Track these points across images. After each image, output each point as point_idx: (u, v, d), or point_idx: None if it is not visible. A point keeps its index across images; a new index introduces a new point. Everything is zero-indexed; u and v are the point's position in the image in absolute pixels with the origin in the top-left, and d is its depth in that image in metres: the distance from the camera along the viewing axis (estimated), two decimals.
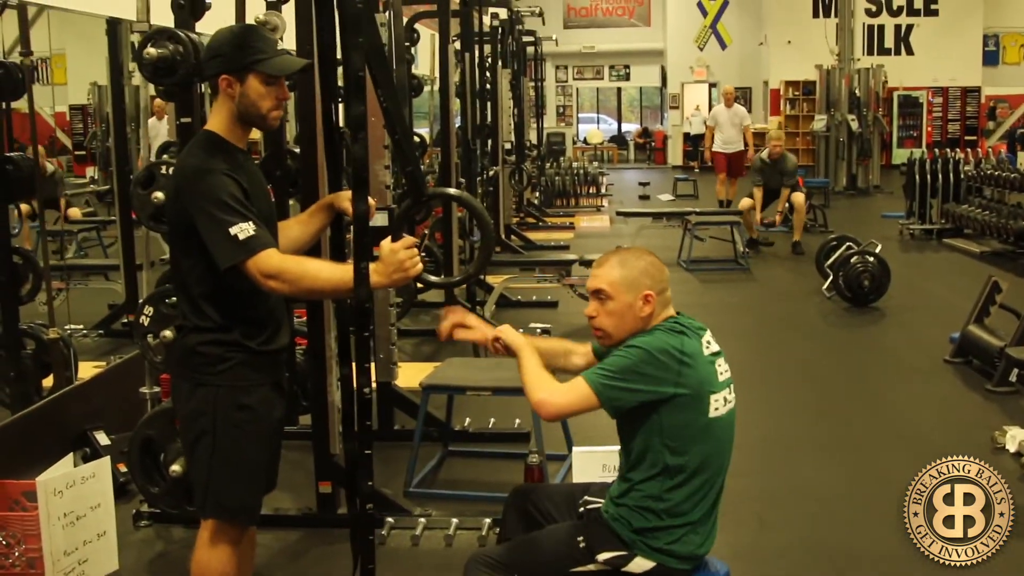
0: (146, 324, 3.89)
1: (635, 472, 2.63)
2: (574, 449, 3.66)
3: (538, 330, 6.30)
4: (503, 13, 12.01)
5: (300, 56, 2.99)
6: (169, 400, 3.77)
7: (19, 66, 4.87)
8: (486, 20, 11.00)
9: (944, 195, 12.63)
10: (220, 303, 2.75)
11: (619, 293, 2.68)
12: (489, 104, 10.50)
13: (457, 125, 8.36)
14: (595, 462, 3.53)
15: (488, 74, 10.52)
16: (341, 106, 3.44)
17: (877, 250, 8.74)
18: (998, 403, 5.91)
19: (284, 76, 2.79)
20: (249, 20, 4.00)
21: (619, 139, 29.88)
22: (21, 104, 5.04)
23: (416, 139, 9.32)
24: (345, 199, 3.13)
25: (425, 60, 12.54)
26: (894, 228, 12.99)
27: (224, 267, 2.61)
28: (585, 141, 28.65)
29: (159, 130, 8.47)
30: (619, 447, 2.73)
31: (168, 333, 3.79)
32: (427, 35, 11.21)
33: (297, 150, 4.21)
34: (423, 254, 7.47)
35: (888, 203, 16.34)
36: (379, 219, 4.28)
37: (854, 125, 18.17)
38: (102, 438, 4.70)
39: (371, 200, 3.07)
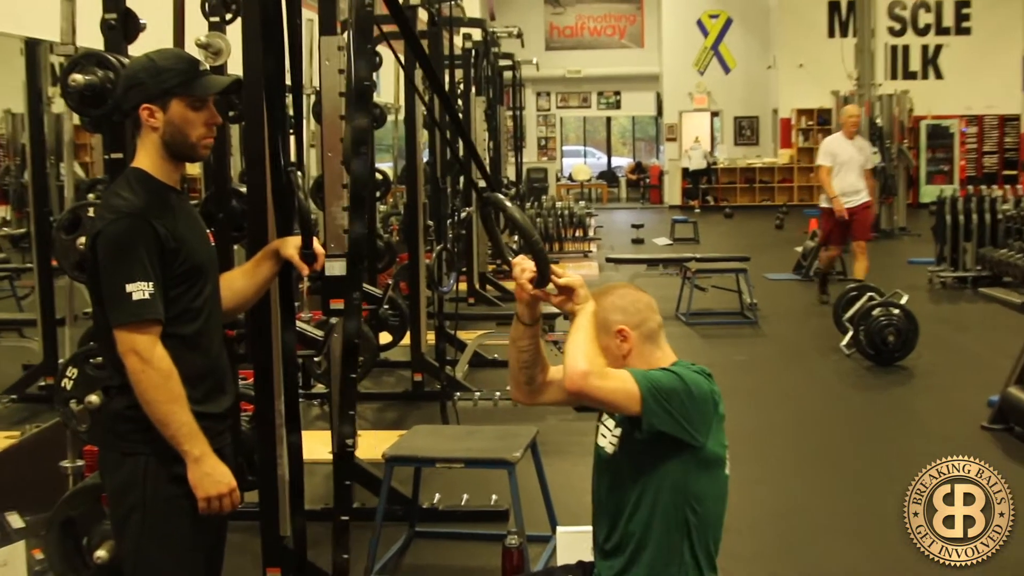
0: (68, 388, 3.89)
1: (640, 548, 2.68)
2: (559, 529, 3.69)
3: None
4: (477, 34, 12.16)
5: (249, 83, 3.06)
6: (95, 475, 3.77)
7: None
8: (457, 42, 11.13)
9: (980, 238, 12.67)
10: None
11: (598, 336, 2.75)
12: (460, 137, 10.59)
13: (424, 160, 8.44)
14: (582, 543, 3.55)
15: (460, 102, 10.64)
16: (292, 138, 3.51)
17: (903, 301, 8.82)
18: None
19: (213, 96, 2.86)
20: (189, 43, 4.07)
21: (609, 175, 30.15)
22: None
23: (378, 176, 9.40)
24: (292, 246, 3.18)
25: (388, 87, 12.65)
26: (922, 276, 13.13)
27: (113, 326, 2.68)
28: (570, 178, 28.89)
29: None
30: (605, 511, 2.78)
31: (94, 398, 3.78)
32: (389, 59, 11.33)
33: (243, 189, 4.25)
34: (386, 306, 7.56)
35: (915, 247, 16.55)
36: (336, 268, 4.34)
37: (875, 159, 18.35)
38: (15, 521, 4.68)
39: (318, 246, 3.13)
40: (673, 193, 26.82)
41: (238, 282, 3.14)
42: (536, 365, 2.84)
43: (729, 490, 2.81)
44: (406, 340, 7.80)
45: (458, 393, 7.35)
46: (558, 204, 18.15)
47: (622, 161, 31.66)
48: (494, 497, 5.44)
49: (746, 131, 27.61)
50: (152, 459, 2.79)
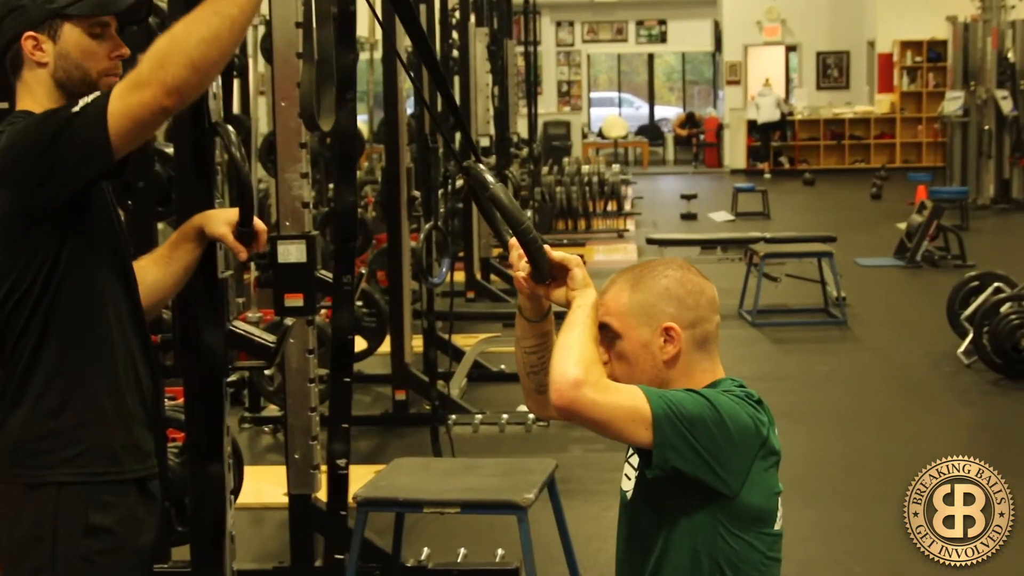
0: None
1: None
2: None
3: None
4: None
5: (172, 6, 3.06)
6: None
7: None
8: None
9: None
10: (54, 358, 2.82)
11: (629, 327, 2.68)
12: (457, 80, 10.59)
13: (409, 112, 8.45)
14: None
15: (455, 36, 10.64)
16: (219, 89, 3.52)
17: None
18: None
19: (115, 18, 2.86)
20: None
21: (651, 130, 30.13)
22: None
23: None
24: (222, 222, 3.18)
25: (363, 18, 12.66)
26: None
27: (115, 149, 2.67)
28: (600, 134, 28.86)
29: None
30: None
31: None
32: None
33: (170, 150, 4.26)
34: (359, 303, 7.59)
35: None
36: (292, 252, 4.36)
37: (1006, 106, 18.30)
38: None
39: (259, 223, 3.14)
40: (735, 154, 26.81)
41: (150, 273, 3.13)
42: (546, 370, 2.81)
43: (783, 551, 2.74)
44: (385, 347, 7.82)
45: (453, 416, 7.36)
46: (584, 169, 18.07)
47: (668, 112, 31.65)
48: (500, 552, 5.44)
49: (833, 71, 27.58)
50: (67, 492, 2.79)
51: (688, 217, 18.25)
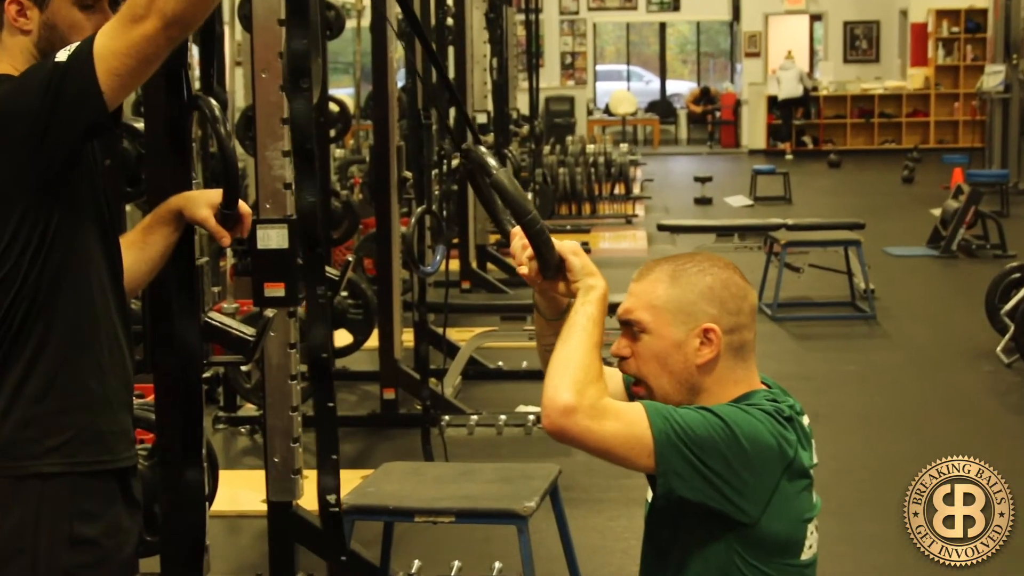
0: None
1: None
2: None
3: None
4: None
5: None
6: None
7: None
8: None
9: None
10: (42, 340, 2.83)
11: (663, 323, 2.65)
12: (452, 51, 10.58)
13: (400, 86, 8.44)
14: None
15: (450, 2, 10.64)
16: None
17: None
18: None
19: None
20: None
21: (662, 107, 30.15)
22: None
23: (334, 107, 9.43)
24: (204, 204, 3.19)
25: None
26: None
27: (112, 93, 2.69)
28: (607, 110, 28.87)
29: None
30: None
31: None
32: None
33: (140, 125, 4.26)
34: (344, 293, 7.58)
35: None
36: (273, 238, 4.36)
37: None
38: None
39: (244, 206, 3.14)
40: (755, 132, 26.85)
41: (123, 259, 3.15)
42: None
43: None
44: (373, 341, 7.82)
45: (447, 417, 7.37)
46: (589, 148, 18.13)
47: (681, 86, 31.68)
48: (498, 565, 5.47)
49: (861, 42, 27.59)
50: (52, 487, 2.81)
51: (702, 202, 18.27)
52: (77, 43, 2.69)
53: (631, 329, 2.67)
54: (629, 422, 2.49)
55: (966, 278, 11.91)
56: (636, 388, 2.70)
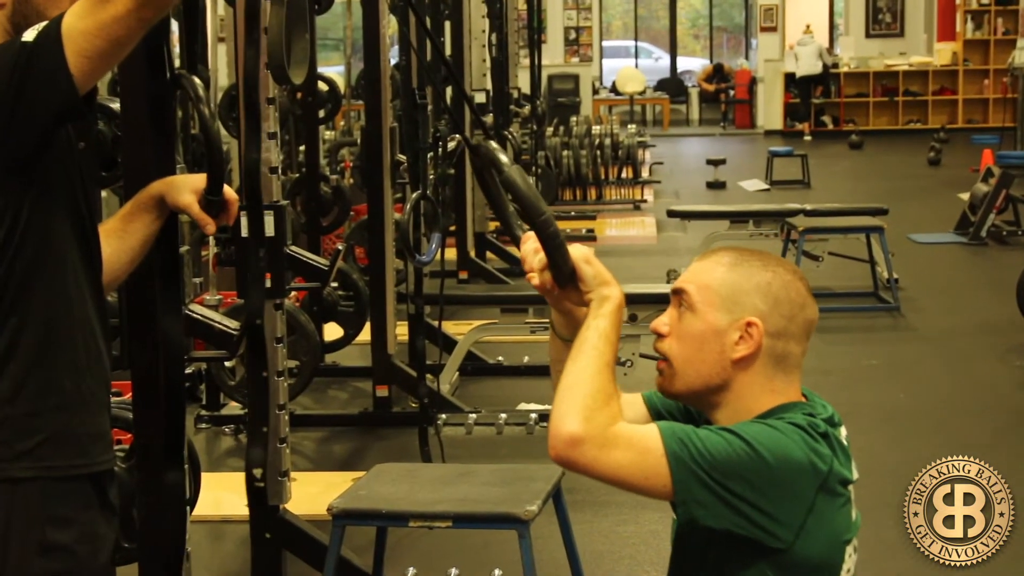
0: None
1: None
2: None
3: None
4: None
5: None
6: None
7: None
8: None
9: None
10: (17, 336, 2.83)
11: (709, 305, 2.64)
12: (448, 27, 10.57)
13: (393, 63, 8.44)
14: None
15: None
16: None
17: None
18: None
19: None
20: None
21: (673, 85, 30.13)
22: None
23: (323, 86, 9.42)
24: (188, 190, 3.20)
25: None
26: None
27: (82, 76, 2.68)
28: (614, 89, 28.85)
29: None
30: None
31: None
32: None
33: (116, 106, 4.27)
34: (334, 284, 7.59)
35: None
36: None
37: None
38: None
39: (230, 192, 3.14)
40: (771, 112, 26.83)
41: (102, 249, 3.15)
42: None
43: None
44: (365, 335, 7.83)
45: (444, 415, 7.37)
46: (595, 129, 18.05)
47: (693, 63, 31.67)
48: (497, 572, 5.48)
49: (884, 16, 27.57)
50: (24, 491, 2.81)
51: (715, 186, 18.29)
52: (46, 22, 2.68)
53: (678, 302, 2.66)
54: (643, 450, 2.46)
55: (996, 266, 11.91)
56: (661, 364, 2.68)
